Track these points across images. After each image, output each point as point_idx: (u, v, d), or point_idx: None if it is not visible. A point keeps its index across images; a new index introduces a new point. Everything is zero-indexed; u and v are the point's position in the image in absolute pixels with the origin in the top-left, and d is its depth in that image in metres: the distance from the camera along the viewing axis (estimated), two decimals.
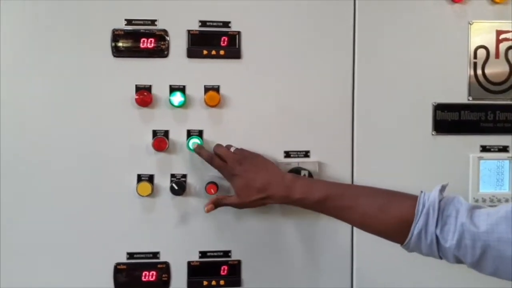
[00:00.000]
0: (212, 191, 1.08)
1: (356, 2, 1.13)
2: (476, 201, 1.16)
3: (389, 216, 0.92)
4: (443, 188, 0.91)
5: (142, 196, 1.07)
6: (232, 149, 1.06)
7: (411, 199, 0.89)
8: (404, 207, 0.89)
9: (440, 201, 0.87)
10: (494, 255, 0.81)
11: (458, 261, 0.85)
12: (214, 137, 1.10)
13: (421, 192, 0.90)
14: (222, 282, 1.11)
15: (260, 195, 1.01)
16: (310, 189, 0.98)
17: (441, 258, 0.87)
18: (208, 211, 1.04)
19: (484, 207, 0.86)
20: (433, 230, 0.86)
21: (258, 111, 1.11)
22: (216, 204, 1.05)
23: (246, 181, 1.02)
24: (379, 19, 1.14)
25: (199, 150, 1.07)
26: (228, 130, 1.11)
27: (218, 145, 1.08)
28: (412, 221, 0.87)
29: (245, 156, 1.05)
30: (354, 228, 1.15)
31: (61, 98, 1.06)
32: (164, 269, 1.10)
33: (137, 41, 1.08)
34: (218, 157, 1.05)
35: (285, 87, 1.12)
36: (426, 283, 1.17)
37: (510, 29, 1.15)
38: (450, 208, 0.86)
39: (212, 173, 1.09)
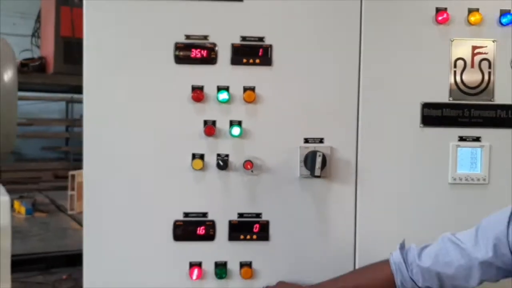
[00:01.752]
0: (249, 166, 1.41)
1: (362, 22, 1.45)
2: (454, 179, 1.48)
3: (381, 284, 1.30)
4: (401, 246, 1.31)
5: (196, 170, 1.41)
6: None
7: (386, 265, 1.29)
8: (385, 274, 1.29)
9: (402, 255, 1.26)
10: (444, 276, 1.21)
11: None
12: (250, 126, 1.43)
13: (390, 254, 1.30)
14: (254, 237, 1.45)
15: None
16: None
17: None
18: None
19: (429, 245, 1.26)
20: (408, 277, 1.26)
21: (284, 106, 1.44)
22: None
23: None
24: (381, 34, 1.46)
25: None
26: (261, 121, 1.44)
27: None
28: (395, 280, 1.26)
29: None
30: (357, 200, 1.48)
31: (136, 96, 1.41)
32: (211, 226, 1.44)
33: (193, 51, 1.42)
34: None
35: (305, 88, 1.45)
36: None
37: (482, 45, 1.47)
38: (410, 258, 1.26)
39: (249, 154, 1.43)
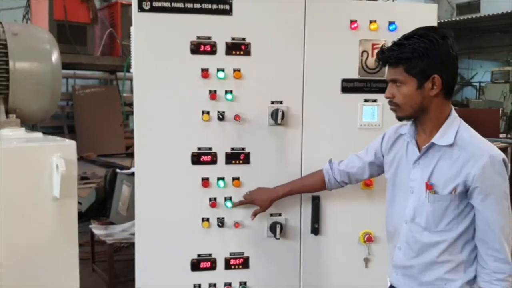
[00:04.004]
0: (237, 118, 2.29)
1: (305, 30, 2.36)
2: (361, 125, 2.44)
3: (317, 184, 2.25)
4: (329, 161, 2.25)
5: (204, 121, 2.29)
6: (247, 192, 2.34)
7: (320, 171, 2.24)
8: (319, 176, 2.24)
9: (330, 165, 2.22)
10: (351, 174, 2.19)
11: (347, 184, 2.23)
12: (238, 93, 2.31)
13: (323, 167, 2.24)
14: (241, 162, 2.35)
15: (268, 203, 2.28)
16: (284, 189, 2.27)
17: (342, 186, 2.22)
18: (253, 219, 2.33)
19: (343, 160, 2.22)
20: (332, 176, 2.22)
21: (259, 81, 2.34)
22: (255, 214, 2.31)
23: (259, 202, 2.29)
24: (317, 37, 2.37)
25: (236, 204, 2.33)
26: (244, 90, 2.32)
27: (244, 195, 2.34)
28: (325, 179, 2.22)
29: (252, 193, 2.31)
30: (303, 139, 2.40)
31: (167, 75, 2.26)
32: (214, 155, 2.32)
33: (201, 46, 2.28)
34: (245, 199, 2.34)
35: (271, 68, 2.35)
36: None
37: (378, 43, 2.41)
38: (333, 166, 2.22)
39: (237, 111, 2.32)
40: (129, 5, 5.33)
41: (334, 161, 2.24)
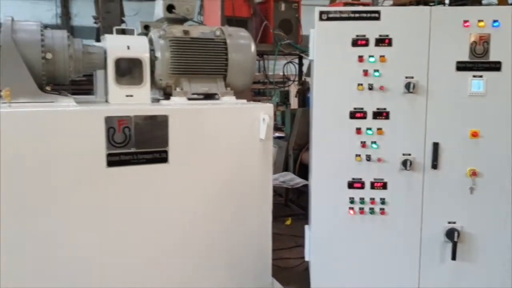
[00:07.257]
0: (382, 88, 3.47)
1: (430, 30, 3.43)
2: (470, 94, 3.46)
3: None
4: None
5: (359, 90, 3.49)
6: None
7: None
8: None
9: None
10: None
11: None
12: (382, 71, 3.46)
13: None
14: (383, 117, 3.52)
15: None
16: None
17: None
18: None
19: None
20: None
21: (397, 63, 3.46)
22: None
23: None
24: (440, 32, 3.43)
25: None
26: (387, 69, 3.46)
27: None
28: None
29: None
30: None
31: (336, 61, 3.49)
32: (365, 113, 3.51)
33: (359, 41, 3.47)
34: None
35: (406, 54, 3.45)
36: None
37: (484, 36, 3.39)
38: None
39: (382, 83, 3.49)
40: (280, 1, 6.65)
41: None
